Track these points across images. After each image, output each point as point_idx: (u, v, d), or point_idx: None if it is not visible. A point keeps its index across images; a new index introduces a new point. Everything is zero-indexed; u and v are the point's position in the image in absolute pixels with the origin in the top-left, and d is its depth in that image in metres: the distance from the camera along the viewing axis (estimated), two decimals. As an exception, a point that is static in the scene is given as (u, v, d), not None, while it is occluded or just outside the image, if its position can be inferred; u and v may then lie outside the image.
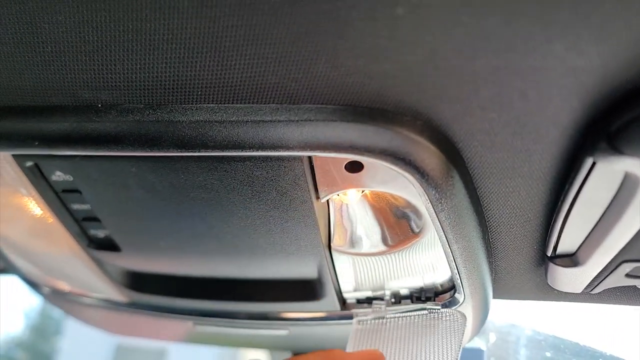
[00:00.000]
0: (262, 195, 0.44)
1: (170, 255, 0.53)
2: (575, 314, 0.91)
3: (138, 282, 0.61)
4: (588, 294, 0.65)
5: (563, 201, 0.45)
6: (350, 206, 0.50)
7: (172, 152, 0.39)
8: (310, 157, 0.42)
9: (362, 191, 0.49)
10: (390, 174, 0.43)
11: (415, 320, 0.56)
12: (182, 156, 0.42)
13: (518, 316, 0.97)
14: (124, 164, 0.43)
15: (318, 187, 0.45)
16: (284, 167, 0.41)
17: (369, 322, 0.57)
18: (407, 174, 0.40)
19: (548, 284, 0.62)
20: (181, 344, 0.77)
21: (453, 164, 0.41)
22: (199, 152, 0.38)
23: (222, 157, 0.41)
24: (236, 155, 0.41)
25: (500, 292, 0.66)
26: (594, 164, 0.39)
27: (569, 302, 0.71)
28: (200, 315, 0.64)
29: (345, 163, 0.42)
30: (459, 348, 0.52)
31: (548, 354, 0.93)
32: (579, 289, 0.60)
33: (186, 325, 0.67)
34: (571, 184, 0.43)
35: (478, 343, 0.97)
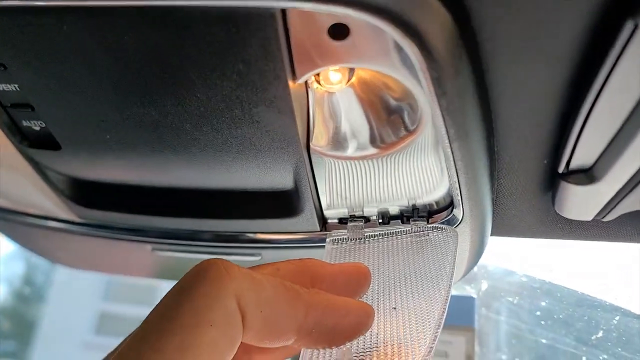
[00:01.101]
0: (226, 67, 0.36)
1: (119, 155, 0.45)
2: (574, 260, 0.85)
3: (85, 193, 0.52)
4: (598, 225, 0.59)
5: (585, 96, 0.38)
6: (334, 97, 0.42)
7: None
8: (284, 18, 0.34)
9: (348, 80, 0.41)
10: (382, 44, 0.35)
11: (402, 241, 0.49)
12: (124, 9, 0.33)
13: (512, 261, 0.91)
14: (53, 20, 0.35)
15: (294, 64, 0.37)
16: (251, 27, 0.33)
17: (345, 242, 0.50)
18: (404, 41, 0.32)
19: (553, 216, 0.57)
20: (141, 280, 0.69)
21: (461, 32, 0.34)
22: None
23: (174, 12, 0.33)
24: (191, 10, 0.33)
25: (499, 225, 0.59)
26: (635, 28, 0.32)
27: (574, 239, 0.65)
28: (159, 237, 0.56)
29: (329, 26, 0.34)
30: (452, 272, 0.45)
31: (544, 303, 0.88)
32: (590, 214, 0.53)
33: (144, 251, 0.59)
34: (599, 66, 0.36)
35: (469, 291, 0.92)
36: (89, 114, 0.42)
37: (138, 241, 0.58)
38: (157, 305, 0.29)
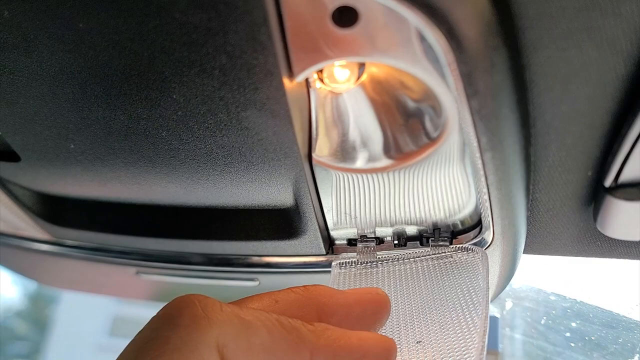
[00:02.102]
0: (205, 61, 0.29)
1: (88, 168, 0.39)
2: (608, 278, 0.78)
3: (55, 210, 0.46)
4: (647, 244, 0.52)
5: None
6: (341, 99, 0.35)
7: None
8: (277, -1, 0.27)
9: (358, 78, 0.34)
10: (399, 32, 0.28)
11: (421, 264, 0.42)
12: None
13: (540, 278, 0.84)
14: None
15: (291, 57, 0.30)
16: (235, 11, 0.27)
17: (354, 266, 0.43)
18: (427, 28, 0.26)
19: (593, 233, 0.49)
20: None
21: (499, 16, 0.27)
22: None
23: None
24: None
25: (532, 243, 0.52)
26: None
27: (615, 258, 0.58)
28: (144, 259, 0.49)
29: (333, 10, 0.27)
30: (486, 298, 0.37)
31: (574, 324, 0.81)
32: (639, 234, 0.47)
33: (128, 274, 0.52)
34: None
35: (491, 310, 0.85)
36: (47, 120, 0.35)
37: (120, 263, 0.51)
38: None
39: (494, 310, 0.84)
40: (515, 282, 0.86)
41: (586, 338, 0.81)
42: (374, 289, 0.31)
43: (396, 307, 0.38)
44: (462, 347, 0.33)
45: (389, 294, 0.35)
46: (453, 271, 0.41)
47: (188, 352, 0.21)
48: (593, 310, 0.80)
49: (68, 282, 0.63)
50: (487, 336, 0.35)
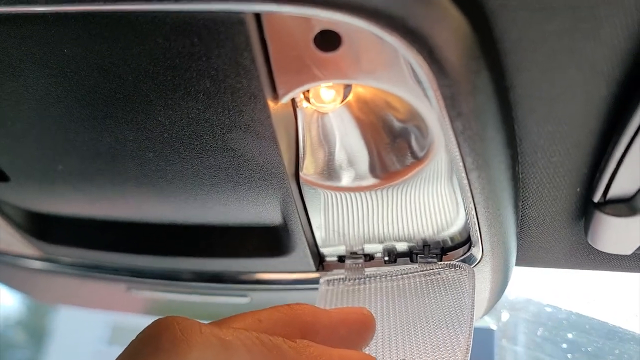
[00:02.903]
0: (189, 85, 0.30)
1: (77, 188, 0.39)
2: (604, 289, 0.78)
3: (46, 227, 0.46)
4: (637, 258, 0.52)
5: (631, 116, 0.32)
6: (327, 118, 0.35)
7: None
8: (259, 24, 0.27)
9: (344, 98, 0.34)
10: (382, 55, 0.29)
11: (408, 281, 0.42)
12: (59, 16, 0.27)
13: (535, 290, 0.83)
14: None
15: (275, 80, 0.30)
16: (217, 36, 0.27)
17: (342, 283, 0.43)
18: (409, 53, 0.26)
19: (584, 246, 0.49)
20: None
21: (480, 40, 0.27)
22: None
23: (119, 19, 0.26)
24: (140, 18, 0.26)
25: (524, 255, 0.52)
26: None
27: (608, 271, 0.58)
28: (135, 275, 0.49)
29: (315, 34, 0.28)
30: (471, 316, 0.37)
31: (570, 335, 0.80)
32: (630, 248, 0.47)
33: (119, 290, 0.52)
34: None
35: (487, 322, 0.85)
36: (34, 142, 0.35)
37: (111, 280, 0.51)
38: None
39: (490, 322, 0.84)
40: (512, 294, 0.86)
41: (582, 349, 0.81)
42: (359, 309, 0.31)
43: (381, 325, 0.38)
44: None
45: (374, 312, 0.35)
46: (439, 289, 0.41)
47: None
48: (589, 322, 0.80)
49: (60, 298, 0.63)
50: (469, 354, 0.35)
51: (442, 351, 0.35)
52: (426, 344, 0.36)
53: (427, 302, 0.40)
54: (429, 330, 0.37)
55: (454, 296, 0.40)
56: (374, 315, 0.31)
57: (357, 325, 0.30)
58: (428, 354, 0.35)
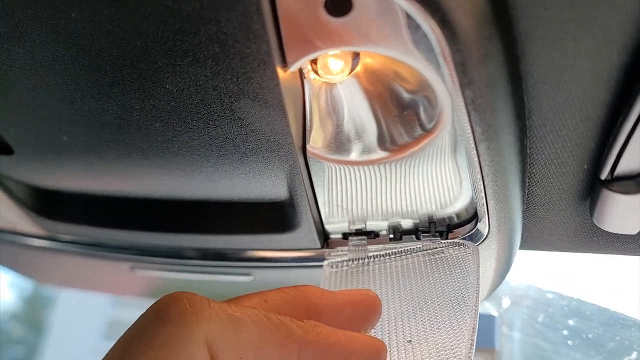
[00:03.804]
0: (198, 50, 0.29)
1: (81, 160, 0.38)
2: (606, 275, 0.78)
3: (48, 203, 0.46)
4: (642, 239, 0.51)
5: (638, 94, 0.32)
6: (335, 90, 0.35)
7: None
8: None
9: (352, 68, 0.34)
10: (393, 21, 0.28)
11: (413, 261, 0.41)
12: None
13: (537, 276, 0.83)
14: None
15: (284, 47, 0.30)
16: (227, 0, 0.26)
17: (346, 264, 0.42)
18: (421, 17, 0.26)
19: (590, 228, 0.49)
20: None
21: (493, 5, 0.27)
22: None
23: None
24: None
25: (528, 238, 0.52)
26: None
27: (612, 254, 0.58)
28: (138, 254, 0.49)
29: (326, -2, 0.27)
30: (477, 296, 0.37)
31: (571, 322, 0.80)
32: (636, 227, 0.46)
33: (122, 269, 0.52)
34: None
35: (488, 308, 0.85)
36: (39, 112, 0.35)
37: (115, 259, 0.51)
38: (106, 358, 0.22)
39: (490, 309, 0.83)
40: (513, 280, 0.86)
41: (583, 336, 0.81)
42: (364, 290, 0.31)
43: (387, 306, 0.38)
44: (452, 345, 0.33)
45: (379, 293, 0.35)
46: (444, 268, 0.40)
47: (176, 348, 0.21)
48: (590, 308, 0.80)
49: (63, 279, 0.63)
50: (476, 333, 0.34)
51: (449, 331, 0.35)
52: (432, 324, 0.36)
53: (431, 282, 0.40)
54: (435, 310, 0.37)
55: (459, 275, 0.39)
56: (379, 296, 0.31)
57: (363, 306, 0.30)
58: (435, 334, 0.35)
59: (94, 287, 0.63)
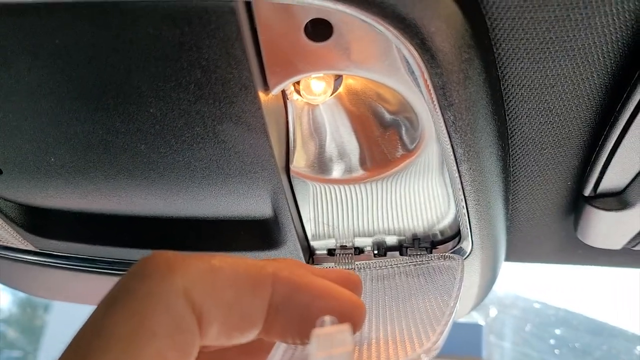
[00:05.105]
0: (180, 76, 0.29)
1: (69, 181, 0.38)
2: (593, 286, 0.78)
3: (38, 221, 0.46)
4: (626, 253, 0.52)
5: (623, 108, 0.32)
6: (318, 111, 0.35)
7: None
8: (250, 13, 0.27)
9: (334, 90, 0.34)
10: (374, 45, 0.29)
11: (398, 270, 0.41)
12: (50, 6, 0.27)
13: (524, 286, 0.84)
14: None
15: (266, 71, 0.30)
16: (207, 26, 0.27)
17: None
18: (401, 42, 0.26)
19: (574, 241, 0.50)
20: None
21: (472, 29, 0.27)
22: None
23: (109, 9, 0.27)
24: (130, 7, 0.26)
25: (513, 251, 0.52)
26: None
27: (596, 266, 0.59)
28: (127, 269, 0.49)
29: (306, 22, 0.28)
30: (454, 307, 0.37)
31: (558, 331, 0.81)
32: (619, 242, 0.47)
33: (111, 284, 0.51)
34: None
35: (475, 317, 0.85)
36: (27, 134, 0.35)
37: (104, 274, 0.51)
38: (87, 318, 0.22)
39: (478, 318, 0.84)
40: (500, 290, 0.86)
41: (570, 345, 0.82)
42: (346, 271, 0.30)
43: (369, 307, 0.37)
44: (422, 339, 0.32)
45: (363, 298, 0.35)
46: (429, 274, 0.40)
47: (155, 299, 0.21)
48: (577, 318, 0.81)
49: (54, 293, 0.63)
50: (448, 330, 0.33)
51: (420, 332, 0.34)
52: (408, 321, 0.35)
53: (415, 284, 0.39)
54: (414, 319, 0.36)
55: (443, 280, 0.39)
56: (362, 300, 0.30)
57: (344, 275, 0.29)
58: (404, 331, 0.34)
59: (84, 300, 0.62)
